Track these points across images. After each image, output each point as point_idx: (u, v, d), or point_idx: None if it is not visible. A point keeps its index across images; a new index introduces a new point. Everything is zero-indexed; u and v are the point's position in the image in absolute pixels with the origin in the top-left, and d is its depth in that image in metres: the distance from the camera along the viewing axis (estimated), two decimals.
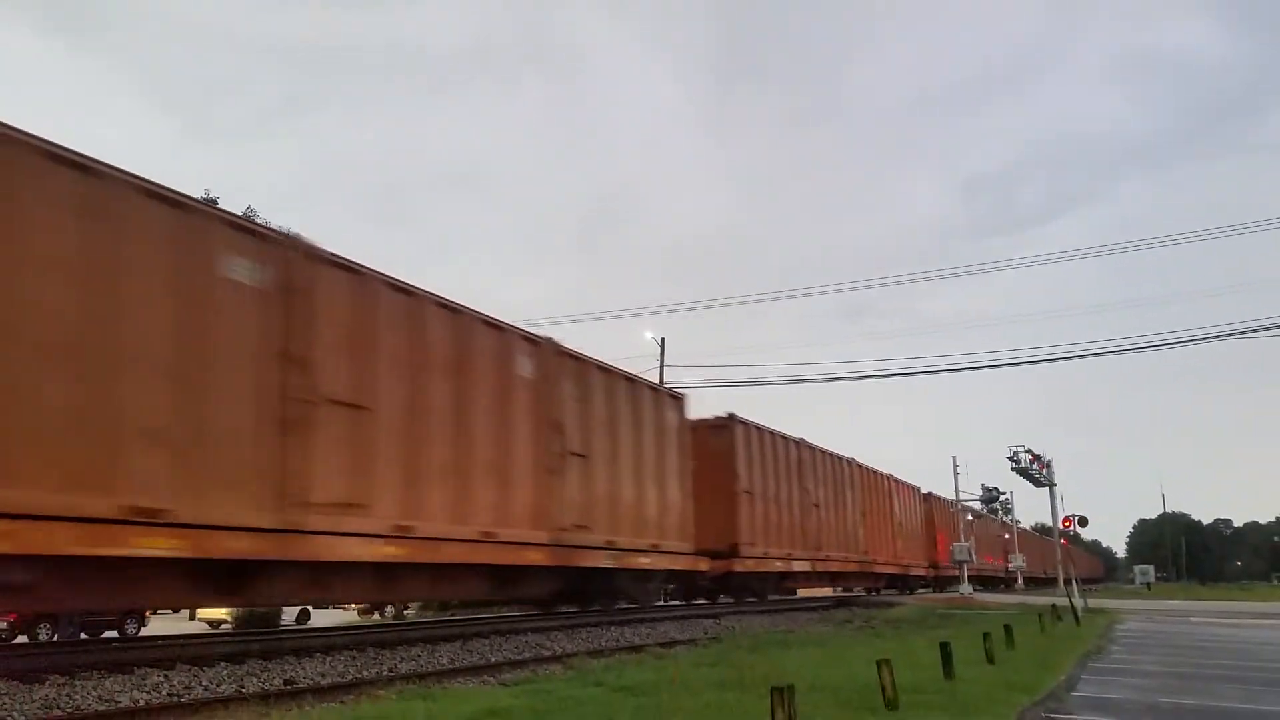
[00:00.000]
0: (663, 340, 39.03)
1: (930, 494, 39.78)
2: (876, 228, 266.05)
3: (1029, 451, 45.06)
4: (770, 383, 56.89)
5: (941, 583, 41.79)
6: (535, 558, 14.05)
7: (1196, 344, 37.57)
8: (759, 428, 23.12)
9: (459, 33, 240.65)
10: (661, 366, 37.65)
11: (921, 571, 37.80)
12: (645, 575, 17.87)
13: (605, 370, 16.86)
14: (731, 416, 21.93)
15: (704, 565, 19.53)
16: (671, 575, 19.29)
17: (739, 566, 21.06)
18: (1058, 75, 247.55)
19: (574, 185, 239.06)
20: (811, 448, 26.21)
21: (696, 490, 19.72)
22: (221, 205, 27.97)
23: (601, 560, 15.72)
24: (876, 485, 31.73)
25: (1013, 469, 44.96)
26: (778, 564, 23.10)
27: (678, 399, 19.87)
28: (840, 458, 28.47)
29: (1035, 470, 45.74)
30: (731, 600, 23.43)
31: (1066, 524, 45.23)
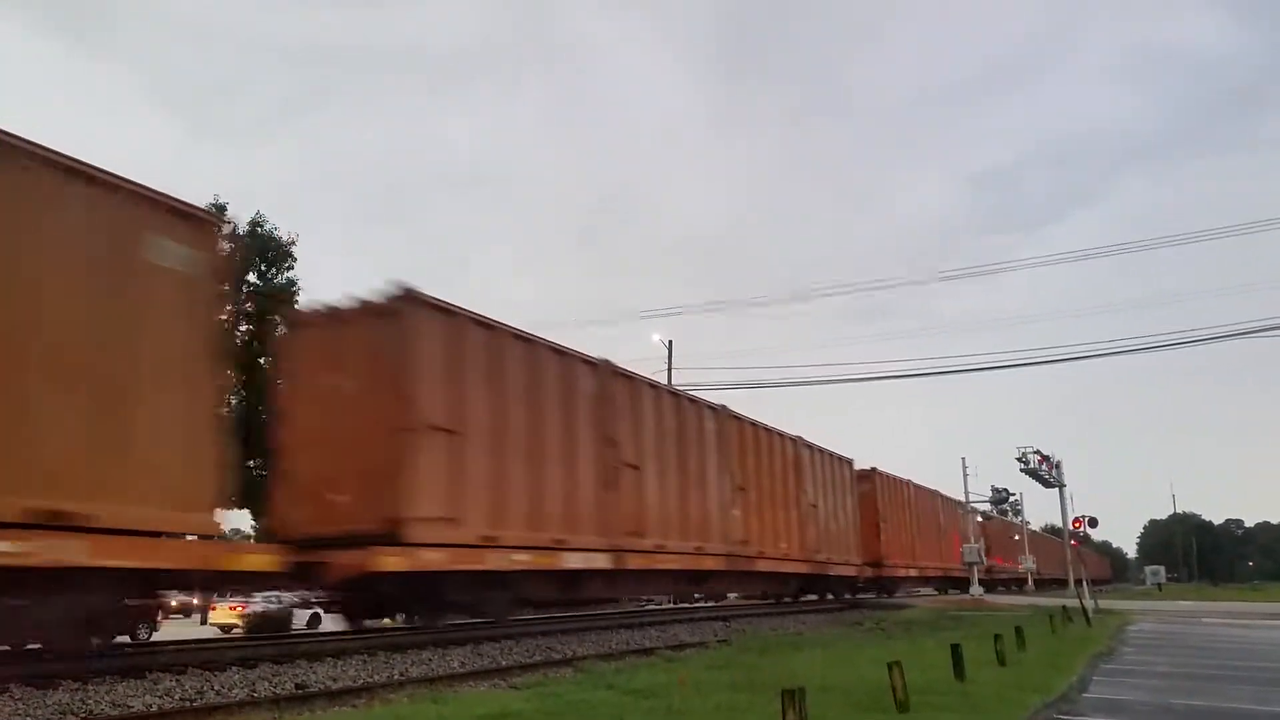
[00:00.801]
0: (670, 343, 39.00)
1: (875, 470, 30.96)
2: (883, 225, 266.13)
3: (1038, 452, 44.92)
4: (777, 385, 56.83)
5: (886, 586, 32.89)
6: None
7: (1207, 343, 37.08)
8: (484, 323, 13.63)
9: (461, 32, 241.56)
10: (670, 369, 37.63)
11: (850, 571, 27.57)
12: (39, 584, 8.39)
13: None
14: (409, 294, 12.47)
15: (264, 562, 10.42)
16: (165, 580, 10.40)
17: (389, 562, 11.29)
18: (1064, 71, 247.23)
19: (577, 184, 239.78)
20: (629, 377, 17.26)
21: (334, 428, 12.25)
22: (229, 209, 28.08)
23: None
24: (771, 450, 22.66)
25: (1021, 470, 44.81)
26: (519, 557, 13.58)
27: (199, 223, 10.09)
28: (695, 401, 20.03)
29: (1044, 471, 45.60)
30: (413, 627, 14.20)
31: (1077, 525, 44.85)
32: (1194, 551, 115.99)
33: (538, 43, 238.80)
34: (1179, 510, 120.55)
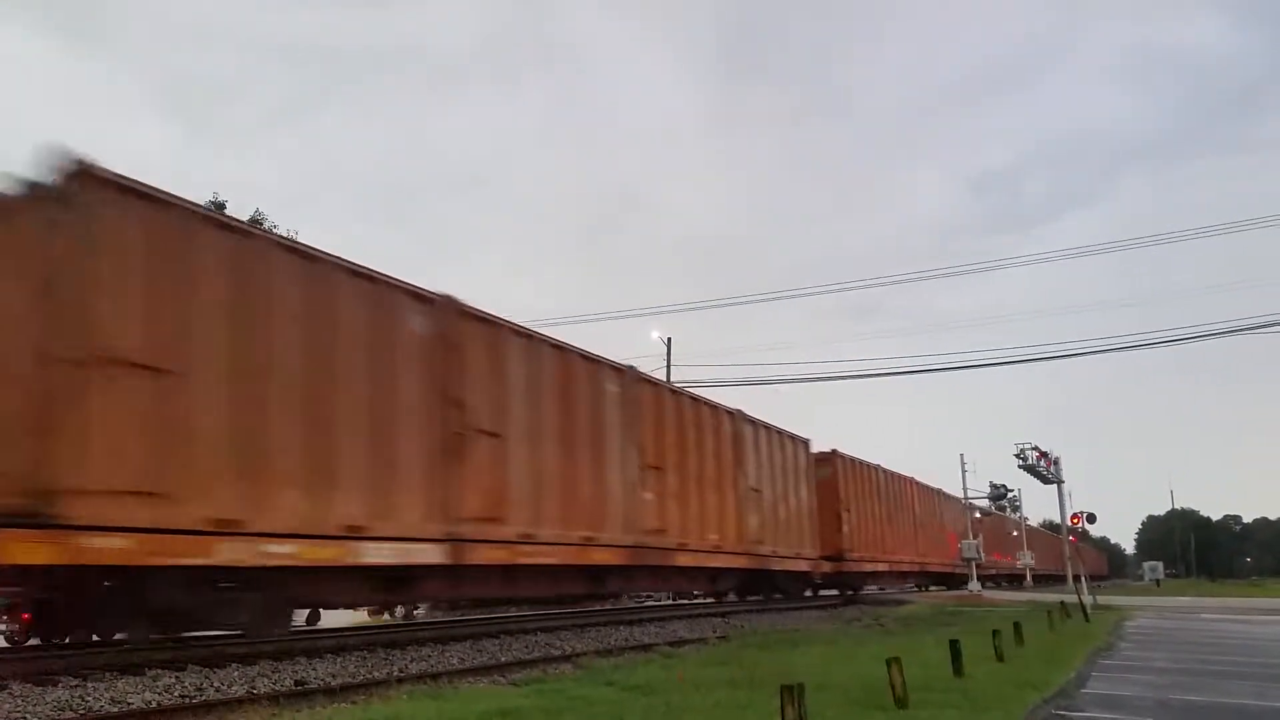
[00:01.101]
0: (669, 340, 39.01)
1: (835, 452, 27.32)
2: (883, 225, 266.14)
3: (1036, 448, 44.96)
4: (776, 381, 56.78)
5: (849, 582, 28.89)
6: None
7: (1205, 340, 37.02)
8: (227, 225, 10.24)
9: (461, 32, 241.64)
10: (669, 366, 37.62)
11: (804, 566, 24.34)
12: None
13: None
14: (87, 171, 8.57)
15: None
16: None
17: (23, 552, 7.77)
18: (1063, 72, 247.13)
19: (577, 184, 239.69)
20: (489, 321, 13.46)
21: None
22: (229, 209, 28.16)
23: None
24: (699, 424, 19.16)
25: (1020, 466, 44.88)
26: (278, 549, 9.81)
27: None
28: (591, 359, 15.82)
29: (1042, 467, 45.66)
30: None
31: (1075, 520, 44.87)
32: (1192, 547, 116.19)
33: (538, 43, 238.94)
34: (1177, 506, 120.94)
